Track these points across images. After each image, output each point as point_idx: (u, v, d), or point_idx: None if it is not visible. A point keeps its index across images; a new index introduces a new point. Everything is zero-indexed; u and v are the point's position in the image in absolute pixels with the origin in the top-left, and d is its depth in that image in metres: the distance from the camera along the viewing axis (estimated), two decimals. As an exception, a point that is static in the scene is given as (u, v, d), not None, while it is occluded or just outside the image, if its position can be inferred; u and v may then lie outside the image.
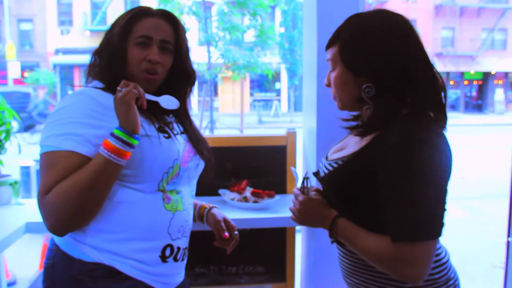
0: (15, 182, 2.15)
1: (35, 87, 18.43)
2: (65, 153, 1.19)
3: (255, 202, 1.99)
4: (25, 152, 2.78)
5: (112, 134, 1.20)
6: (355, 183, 1.22)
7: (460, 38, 27.54)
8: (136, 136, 1.21)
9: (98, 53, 1.38)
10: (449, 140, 1.22)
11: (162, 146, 1.30)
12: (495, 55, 27.68)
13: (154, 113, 1.36)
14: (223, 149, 2.15)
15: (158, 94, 1.35)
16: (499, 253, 3.28)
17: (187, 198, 1.41)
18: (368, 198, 1.20)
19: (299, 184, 1.39)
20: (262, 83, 26.94)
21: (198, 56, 15.19)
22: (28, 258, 4.04)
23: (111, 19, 23.58)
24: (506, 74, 28.72)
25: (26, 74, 23.01)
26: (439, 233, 1.12)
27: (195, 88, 1.52)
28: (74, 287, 1.26)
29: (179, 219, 1.36)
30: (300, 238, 2.18)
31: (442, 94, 1.27)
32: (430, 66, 1.24)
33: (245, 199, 2.01)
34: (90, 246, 1.27)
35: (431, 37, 26.98)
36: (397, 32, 1.22)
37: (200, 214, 1.60)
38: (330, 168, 1.32)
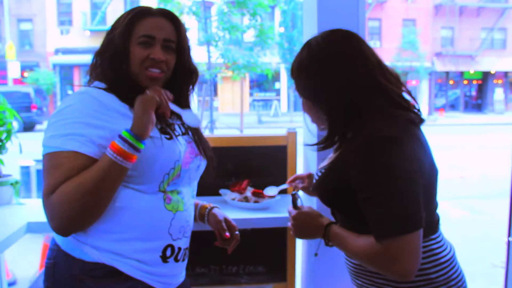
0: (16, 182, 2.14)
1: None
2: (69, 153, 1.19)
3: (256, 202, 1.99)
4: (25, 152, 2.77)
5: (120, 136, 1.19)
6: (337, 188, 1.27)
7: (459, 38, 27.54)
8: (143, 141, 1.22)
9: (99, 54, 1.38)
10: (423, 134, 1.26)
11: (164, 147, 1.30)
12: (495, 55, 27.68)
13: (156, 114, 1.36)
14: (224, 149, 2.15)
15: (169, 116, 1.34)
16: (499, 252, 3.28)
17: (188, 199, 1.41)
18: (351, 202, 1.23)
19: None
20: (262, 83, 26.94)
21: (198, 56, 15.17)
22: (28, 258, 4.03)
23: (110, 19, 23.61)
24: (505, 74, 28.71)
25: (26, 74, 22.99)
26: (418, 225, 1.13)
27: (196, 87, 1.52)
28: (75, 287, 1.26)
29: (180, 220, 1.36)
30: (301, 238, 2.18)
31: (404, 94, 1.31)
32: (378, 78, 1.26)
33: (246, 199, 2.01)
34: (91, 246, 1.27)
35: (431, 37, 26.99)
36: (336, 59, 1.26)
37: (201, 214, 1.60)
38: (317, 178, 1.38)
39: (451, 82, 29.14)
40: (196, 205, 1.61)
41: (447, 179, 8.57)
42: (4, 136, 2.18)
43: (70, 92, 21.21)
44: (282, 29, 23.02)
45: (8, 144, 2.21)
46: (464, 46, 27.48)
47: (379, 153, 1.15)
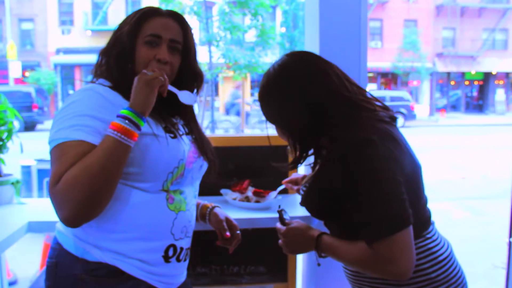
0: (17, 182, 2.14)
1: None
2: (75, 142, 1.18)
3: (257, 201, 1.99)
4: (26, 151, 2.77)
5: (120, 115, 1.19)
6: (322, 201, 1.29)
7: (461, 38, 27.53)
8: (144, 118, 1.21)
9: (105, 52, 1.38)
10: (399, 132, 1.28)
11: (168, 146, 1.30)
12: (496, 55, 27.67)
13: (161, 114, 1.36)
14: (225, 149, 2.15)
15: (165, 95, 1.35)
16: (500, 253, 3.28)
17: (190, 199, 1.41)
18: (339, 211, 1.24)
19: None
20: (263, 83, 26.91)
21: (199, 56, 15.20)
22: (29, 257, 4.04)
23: (112, 19, 23.64)
24: (507, 74, 28.70)
25: (27, 74, 23.02)
26: (406, 222, 1.14)
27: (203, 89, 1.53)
28: (76, 286, 1.26)
29: (182, 220, 1.36)
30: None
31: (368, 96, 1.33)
32: (339, 91, 1.28)
33: (247, 199, 2.01)
34: (93, 246, 1.26)
35: (432, 37, 26.98)
36: (292, 81, 1.29)
37: (203, 214, 1.60)
38: (302, 193, 1.39)
39: (452, 82, 29.13)
40: (197, 205, 1.61)
41: (448, 180, 8.58)
42: (5, 135, 2.18)
43: (71, 91, 21.24)
44: (283, 29, 23.03)
45: (9, 144, 2.21)
46: (465, 46, 27.47)
47: (354, 160, 1.16)
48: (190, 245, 1.44)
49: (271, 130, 1.45)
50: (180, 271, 1.40)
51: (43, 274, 1.36)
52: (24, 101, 16.43)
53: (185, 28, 1.40)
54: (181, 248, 1.37)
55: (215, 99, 19.02)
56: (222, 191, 2.11)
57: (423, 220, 1.28)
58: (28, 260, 4.01)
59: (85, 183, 1.13)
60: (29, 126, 15.68)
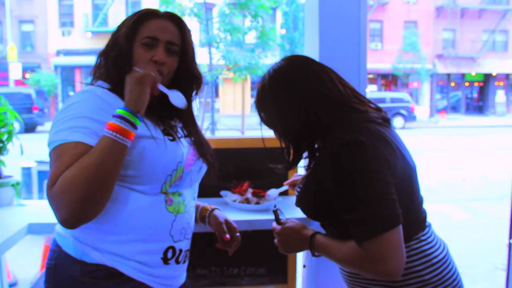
0: (17, 183, 2.14)
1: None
2: (72, 144, 1.18)
3: (256, 203, 1.99)
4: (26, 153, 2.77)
5: (116, 115, 1.19)
6: (316, 201, 1.30)
7: (461, 40, 27.55)
8: (139, 116, 1.21)
9: (104, 54, 1.38)
10: (391, 132, 1.29)
11: (167, 149, 1.30)
12: (496, 57, 27.68)
13: (160, 116, 1.36)
14: (225, 150, 2.14)
15: (163, 97, 1.35)
16: (500, 254, 3.28)
17: (189, 201, 1.41)
18: (332, 211, 1.24)
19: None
20: (263, 84, 26.91)
21: (199, 57, 15.22)
22: (29, 259, 4.04)
23: (112, 20, 23.67)
24: (507, 76, 28.70)
25: (27, 75, 23.05)
26: (395, 222, 1.14)
27: (201, 91, 1.53)
28: (75, 288, 1.26)
29: (181, 221, 1.36)
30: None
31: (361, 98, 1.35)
32: (331, 93, 1.30)
33: (247, 201, 2.01)
34: (92, 247, 1.26)
35: (432, 39, 27.00)
36: (286, 86, 1.32)
37: (202, 216, 1.60)
38: (297, 193, 1.42)
39: (452, 84, 29.13)
40: (197, 207, 1.61)
41: (449, 181, 8.58)
42: (5, 137, 2.18)
43: (71, 93, 21.25)
44: (283, 31, 23.04)
45: (9, 145, 2.20)
46: (465, 48, 27.48)
47: (343, 160, 1.18)
48: (190, 247, 1.44)
49: (267, 132, 1.47)
50: (179, 273, 1.40)
51: (43, 276, 1.36)
52: (24, 103, 16.45)
53: (183, 30, 1.40)
54: (180, 250, 1.37)
55: (215, 101, 19.02)
56: (222, 193, 2.11)
57: (418, 221, 1.29)
58: (28, 262, 4.01)
59: (82, 184, 1.13)
60: (29, 128, 15.70)
